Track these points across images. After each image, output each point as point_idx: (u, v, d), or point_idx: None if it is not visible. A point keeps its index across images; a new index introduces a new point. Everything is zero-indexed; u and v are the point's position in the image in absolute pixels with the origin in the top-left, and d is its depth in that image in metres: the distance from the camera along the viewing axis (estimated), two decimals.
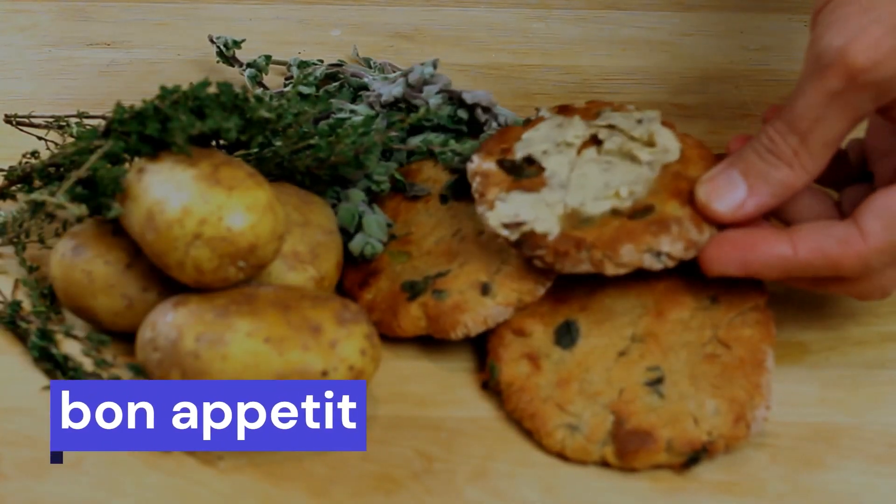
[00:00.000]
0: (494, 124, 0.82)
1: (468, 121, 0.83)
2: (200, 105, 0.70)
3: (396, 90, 0.84)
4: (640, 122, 0.76)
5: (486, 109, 0.83)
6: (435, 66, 0.85)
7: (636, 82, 0.96)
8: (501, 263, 0.72)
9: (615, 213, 0.70)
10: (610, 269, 0.69)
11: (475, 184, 0.74)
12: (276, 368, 0.64)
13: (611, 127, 0.76)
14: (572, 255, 0.69)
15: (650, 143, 0.74)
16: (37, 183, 0.76)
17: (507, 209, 0.71)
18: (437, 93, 0.84)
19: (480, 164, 0.75)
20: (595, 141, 0.75)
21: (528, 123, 0.78)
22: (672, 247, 0.69)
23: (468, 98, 0.83)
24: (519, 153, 0.75)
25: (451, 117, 0.83)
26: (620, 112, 0.77)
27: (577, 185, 0.72)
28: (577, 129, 0.76)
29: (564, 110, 0.79)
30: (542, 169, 0.74)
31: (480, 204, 0.73)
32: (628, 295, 0.72)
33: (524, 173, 0.74)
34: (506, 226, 0.70)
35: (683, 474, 0.67)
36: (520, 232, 0.70)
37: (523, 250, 0.70)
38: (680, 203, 0.71)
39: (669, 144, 0.74)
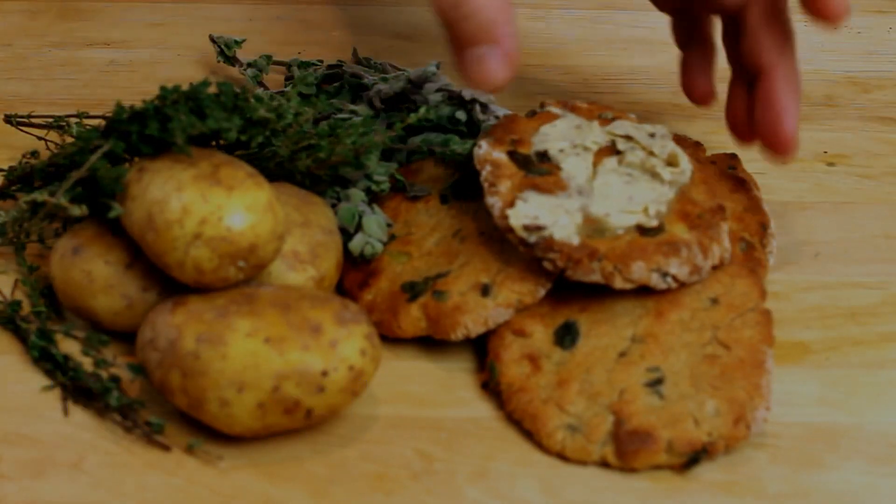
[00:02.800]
0: (492, 118, 0.82)
1: (466, 122, 0.83)
2: (200, 105, 0.70)
3: (398, 85, 0.84)
4: (652, 135, 0.76)
5: (484, 107, 0.83)
6: (438, 67, 0.85)
7: (636, 82, 0.96)
8: (502, 264, 0.72)
9: (639, 228, 0.71)
10: (618, 283, 0.70)
11: (485, 172, 0.74)
12: (276, 368, 0.64)
13: (628, 138, 0.76)
14: (585, 263, 0.70)
15: (672, 163, 0.75)
16: (37, 183, 0.76)
17: (526, 210, 0.71)
18: (437, 90, 0.84)
19: (490, 152, 0.75)
20: (612, 150, 0.76)
21: (535, 116, 0.78)
22: (679, 269, 0.71)
23: (467, 94, 0.83)
24: (536, 147, 0.75)
25: (450, 118, 0.83)
26: (629, 122, 0.78)
27: (601, 194, 0.73)
28: (596, 135, 0.76)
29: (568, 107, 0.79)
30: (557, 168, 0.74)
31: (492, 195, 0.73)
32: (628, 296, 0.72)
33: (535, 169, 0.74)
34: (526, 228, 0.70)
35: (683, 474, 0.67)
36: (538, 236, 0.70)
37: (535, 251, 0.71)
38: (687, 226, 0.72)
39: (685, 166, 0.75)
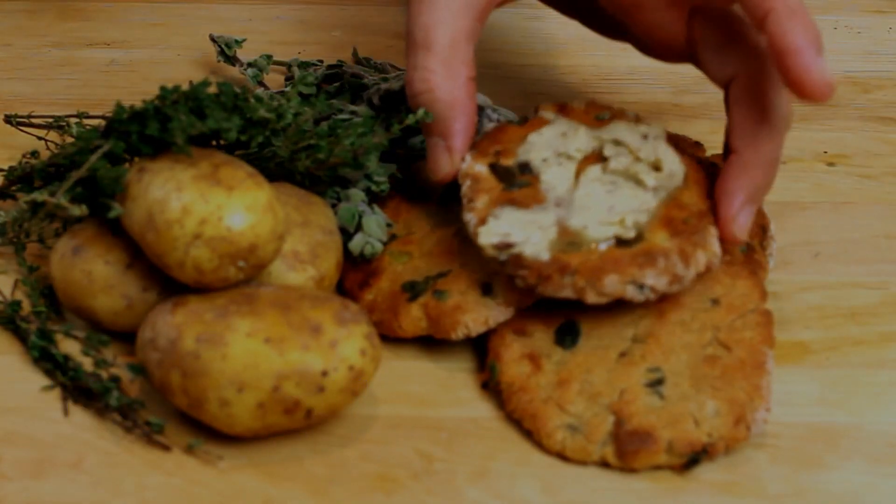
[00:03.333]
0: (486, 122, 0.82)
1: None
2: (200, 105, 0.70)
3: (396, 85, 0.84)
4: (645, 137, 0.75)
5: (481, 109, 0.83)
6: None
7: (636, 82, 0.96)
8: None
9: (616, 240, 0.70)
10: (591, 298, 0.69)
11: (464, 187, 0.74)
12: (276, 368, 0.64)
13: (616, 143, 0.75)
14: (555, 279, 0.69)
15: (657, 167, 0.74)
16: (37, 183, 0.76)
17: (498, 227, 0.70)
18: None
19: (472, 166, 0.74)
20: (599, 157, 0.75)
21: (526, 123, 0.78)
22: (656, 280, 0.69)
23: None
24: (519, 157, 0.74)
25: None
26: (624, 122, 0.77)
27: (581, 206, 0.72)
28: (581, 142, 0.75)
29: (563, 109, 0.78)
30: (537, 179, 0.73)
31: (468, 211, 0.72)
32: None
33: (516, 182, 0.73)
34: (495, 247, 0.70)
35: (683, 475, 0.67)
36: (507, 253, 0.70)
37: (506, 269, 0.70)
38: (669, 233, 0.70)
39: (674, 168, 0.73)
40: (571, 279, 0.68)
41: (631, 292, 0.69)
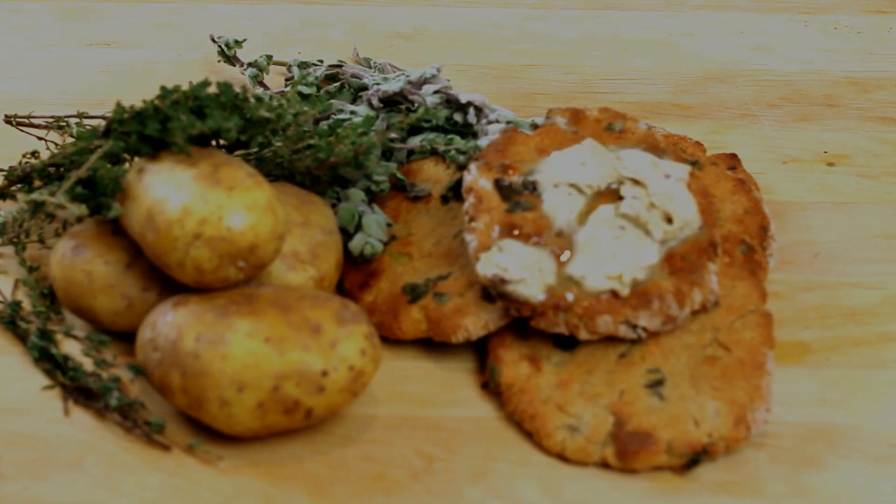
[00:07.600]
0: (485, 123, 0.82)
1: (464, 123, 0.83)
2: (200, 105, 0.70)
3: (396, 85, 0.84)
4: (667, 177, 0.74)
5: (479, 109, 0.83)
6: (438, 71, 0.85)
7: (636, 82, 0.96)
8: None
9: (612, 293, 0.69)
10: (583, 335, 0.69)
11: (467, 203, 0.73)
12: (277, 368, 0.64)
13: (636, 182, 0.73)
14: (549, 316, 0.69)
15: (668, 219, 0.72)
16: (37, 183, 0.76)
17: (499, 259, 0.70)
18: (434, 92, 0.84)
19: (477, 179, 0.74)
20: (613, 193, 0.73)
21: (537, 130, 0.77)
22: (650, 322, 0.69)
23: (463, 98, 0.83)
24: (529, 175, 0.74)
25: (448, 119, 0.83)
26: (647, 156, 0.75)
27: (585, 248, 0.71)
28: (598, 177, 0.73)
29: (576, 116, 0.78)
30: (540, 202, 0.72)
31: (469, 232, 0.72)
32: None
33: (520, 203, 0.73)
34: (491, 279, 0.70)
35: (683, 475, 0.67)
36: (503, 289, 0.70)
37: (501, 299, 0.70)
38: (669, 270, 0.70)
39: (689, 218, 0.72)
40: (565, 316, 0.69)
41: (623, 331, 0.69)
